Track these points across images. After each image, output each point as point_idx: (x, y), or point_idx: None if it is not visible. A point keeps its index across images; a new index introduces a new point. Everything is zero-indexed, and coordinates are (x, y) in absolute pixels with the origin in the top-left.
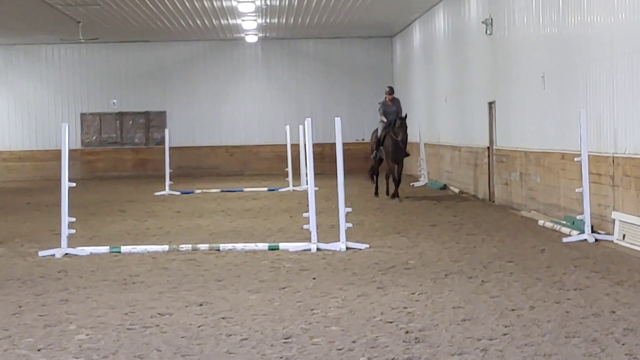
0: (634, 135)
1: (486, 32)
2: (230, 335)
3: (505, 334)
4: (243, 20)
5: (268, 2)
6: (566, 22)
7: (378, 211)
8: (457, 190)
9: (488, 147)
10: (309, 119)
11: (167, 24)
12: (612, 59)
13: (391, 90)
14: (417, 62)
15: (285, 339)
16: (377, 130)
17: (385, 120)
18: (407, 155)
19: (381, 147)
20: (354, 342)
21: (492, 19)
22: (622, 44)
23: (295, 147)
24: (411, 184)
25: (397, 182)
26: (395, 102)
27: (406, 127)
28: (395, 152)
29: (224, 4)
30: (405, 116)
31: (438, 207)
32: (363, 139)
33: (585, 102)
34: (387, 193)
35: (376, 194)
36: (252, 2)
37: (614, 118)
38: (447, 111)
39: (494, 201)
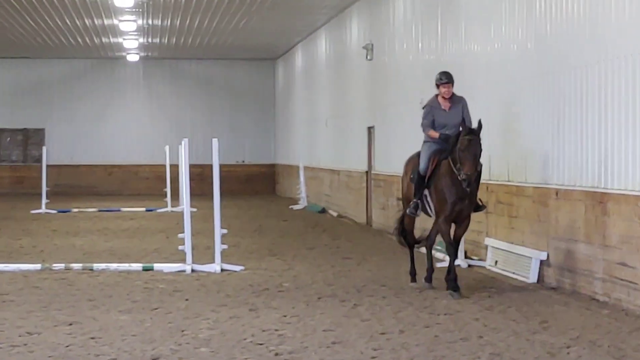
0: (506, 162)
1: (367, 58)
2: (99, 355)
3: (373, 357)
4: (124, 39)
5: (150, 22)
6: (445, 49)
7: (255, 233)
8: (335, 214)
9: (367, 172)
10: (186, 139)
11: (47, 40)
12: (487, 87)
13: (448, 78)
14: (299, 86)
15: (154, 359)
16: (413, 158)
17: (436, 135)
18: (481, 207)
19: (426, 192)
20: None
21: (372, 45)
22: (497, 73)
23: (175, 167)
24: (290, 207)
25: (451, 263)
26: (458, 103)
27: (479, 152)
28: (458, 202)
29: (105, 22)
30: (480, 127)
31: (316, 230)
32: (243, 161)
33: None
34: (428, 277)
35: (413, 276)
36: (133, 21)
37: (488, 145)
38: (327, 135)
39: (371, 225)
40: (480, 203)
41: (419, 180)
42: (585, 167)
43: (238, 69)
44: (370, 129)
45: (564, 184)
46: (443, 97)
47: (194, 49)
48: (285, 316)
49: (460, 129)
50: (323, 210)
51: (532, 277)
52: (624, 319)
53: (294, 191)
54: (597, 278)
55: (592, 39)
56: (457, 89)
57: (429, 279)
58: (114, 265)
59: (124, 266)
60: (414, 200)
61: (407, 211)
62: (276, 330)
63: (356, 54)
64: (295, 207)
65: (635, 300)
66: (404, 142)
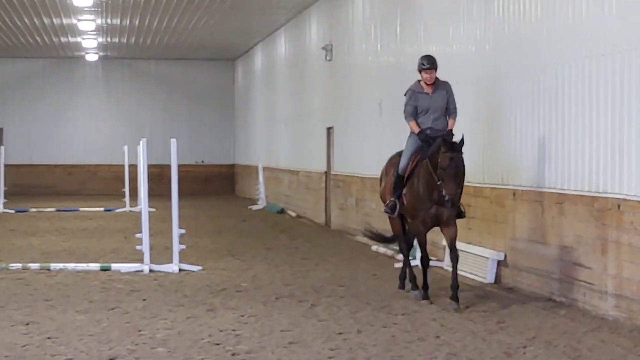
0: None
1: (326, 58)
2: (55, 355)
3: (330, 357)
4: (83, 39)
5: (109, 21)
6: (403, 50)
7: (214, 233)
8: (294, 215)
9: (326, 172)
10: (144, 139)
11: (5, 40)
12: None
13: (431, 63)
14: (258, 86)
15: (111, 359)
16: (395, 157)
17: (416, 130)
18: (461, 215)
19: (404, 192)
20: None
21: (332, 45)
22: (454, 74)
23: (134, 167)
24: (249, 207)
25: (454, 272)
26: (441, 89)
27: (462, 170)
28: (433, 206)
29: (64, 21)
30: (462, 141)
31: (275, 230)
32: (203, 161)
33: None
34: (405, 281)
35: (402, 283)
36: (92, 20)
37: None
38: (286, 135)
39: (330, 226)
40: (462, 209)
41: (398, 180)
42: (542, 168)
43: (197, 69)
44: (329, 130)
45: (522, 184)
46: (426, 83)
47: (153, 48)
48: (242, 316)
49: (443, 137)
50: (282, 211)
51: (490, 278)
52: (580, 319)
53: (253, 191)
54: (553, 278)
55: (550, 41)
56: None
57: (402, 286)
58: (71, 265)
59: (82, 266)
60: (392, 199)
61: (384, 210)
62: (233, 330)
63: (315, 54)
64: (254, 207)
65: (591, 300)
66: (363, 142)
